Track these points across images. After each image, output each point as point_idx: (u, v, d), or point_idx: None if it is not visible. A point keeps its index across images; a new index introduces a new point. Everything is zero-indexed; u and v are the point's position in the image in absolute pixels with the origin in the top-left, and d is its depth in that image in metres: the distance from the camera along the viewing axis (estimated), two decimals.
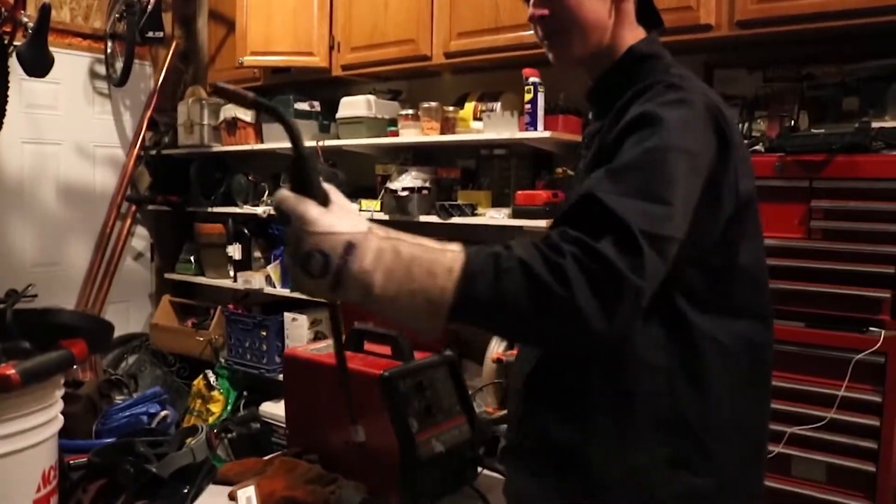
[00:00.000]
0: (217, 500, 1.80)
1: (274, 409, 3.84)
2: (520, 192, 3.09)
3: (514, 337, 1.26)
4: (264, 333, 3.93)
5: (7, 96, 3.39)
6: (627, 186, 1.10)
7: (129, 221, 4.69)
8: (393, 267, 1.01)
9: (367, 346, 1.96)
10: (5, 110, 3.40)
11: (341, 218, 1.01)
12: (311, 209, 1.00)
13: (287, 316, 3.88)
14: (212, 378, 4.10)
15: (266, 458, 1.97)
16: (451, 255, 1.03)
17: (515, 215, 3.08)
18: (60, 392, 1.37)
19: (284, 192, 1.03)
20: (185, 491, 1.58)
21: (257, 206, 4.11)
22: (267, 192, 4.15)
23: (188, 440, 1.58)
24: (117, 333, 4.42)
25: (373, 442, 1.80)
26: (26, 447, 1.27)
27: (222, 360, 4.17)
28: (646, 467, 1.26)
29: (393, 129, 3.63)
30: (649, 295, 1.06)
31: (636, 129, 1.18)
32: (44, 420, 1.31)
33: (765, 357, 1.35)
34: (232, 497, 1.81)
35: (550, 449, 1.35)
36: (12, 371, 1.16)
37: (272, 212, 0.97)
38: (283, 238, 1.04)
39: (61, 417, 1.39)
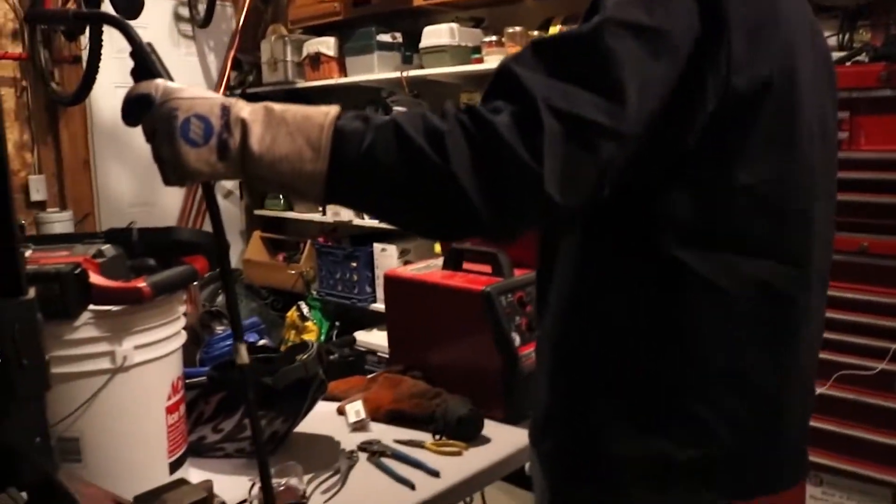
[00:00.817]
0: (326, 415, 1.88)
1: (366, 338, 3.94)
2: None
3: (395, 216, 1.01)
4: (354, 264, 4.01)
5: (101, 41, 3.48)
6: (552, 62, 0.92)
7: None
8: (268, 120, 0.96)
9: (466, 265, 1.99)
10: (100, 55, 3.50)
11: (203, 91, 1.00)
12: (171, 83, 0.99)
13: (376, 246, 3.95)
14: (304, 309, 4.21)
15: (370, 376, 2.03)
16: (325, 108, 0.97)
17: None
18: (183, 308, 1.44)
19: (135, 84, 1.01)
20: (299, 403, 1.64)
21: None
22: None
23: (299, 356, 1.64)
24: (212, 270, 4.57)
25: (476, 358, 1.85)
26: (158, 357, 1.34)
27: (314, 292, 4.28)
28: (602, 429, 1.10)
29: (477, 56, 3.61)
30: (563, 188, 0.88)
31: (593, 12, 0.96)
32: (171, 333, 1.38)
33: (793, 307, 1.09)
34: (340, 411, 1.89)
35: (536, 405, 1.26)
36: (143, 284, 1.23)
37: (124, 102, 0.94)
38: (147, 130, 1.01)
39: (184, 333, 1.46)
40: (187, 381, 1.61)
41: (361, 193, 0.98)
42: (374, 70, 4.00)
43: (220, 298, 4.16)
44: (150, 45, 1.08)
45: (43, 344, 0.91)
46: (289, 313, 4.31)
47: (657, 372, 1.06)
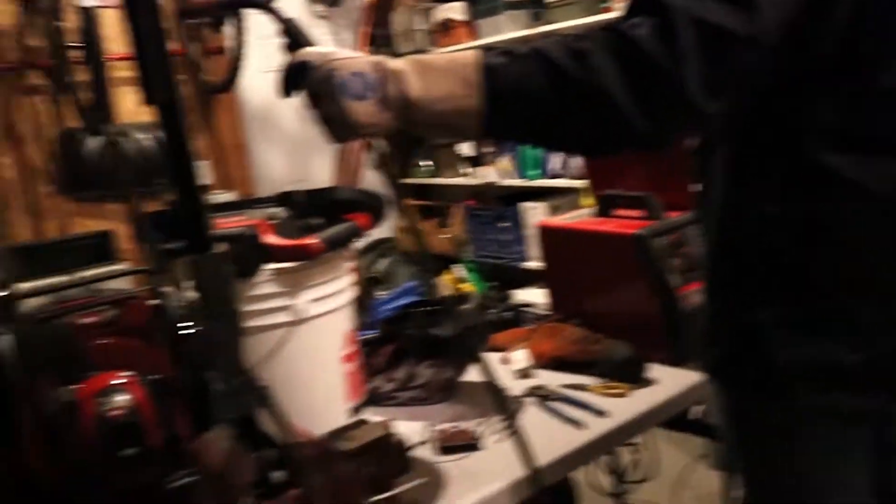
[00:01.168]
0: (492, 363, 1.94)
1: (522, 296, 3.98)
2: None
3: (552, 140, 1.10)
4: (504, 224, 4.05)
5: (245, 30, 3.65)
6: None
7: None
8: (419, 68, 1.02)
9: (618, 211, 1.99)
10: (245, 43, 3.67)
11: (351, 52, 1.07)
12: (325, 49, 1.08)
13: (525, 205, 3.97)
14: (461, 272, 4.30)
15: (531, 327, 2.07)
16: (468, 51, 1.02)
17: None
18: (350, 264, 1.52)
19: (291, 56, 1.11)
20: (465, 351, 1.70)
21: None
22: None
23: (461, 307, 1.70)
24: (366, 240, 4.75)
25: (635, 302, 1.85)
26: (331, 310, 1.44)
27: (467, 255, 4.36)
28: (766, 335, 1.09)
29: (605, 5, 3.55)
30: (705, 93, 0.92)
31: None
32: (341, 287, 1.47)
33: None
34: (505, 361, 1.94)
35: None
36: (315, 240, 1.31)
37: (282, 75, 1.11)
38: (309, 95, 1.08)
39: (353, 289, 1.55)
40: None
41: (517, 122, 1.03)
42: (503, 30, 4.01)
43: (379, 265, 4.32)
44: (294, 20, 1.16)
45: (235, 292, 0.99)
46: (445, 276, 4.41)
47: (816, 277, 1.06)
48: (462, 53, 1.03)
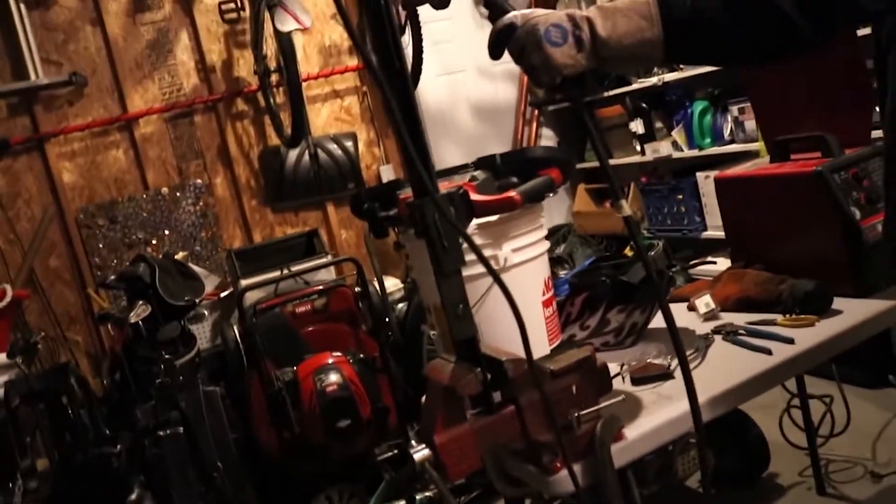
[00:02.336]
0: (678, 312, 2.05)
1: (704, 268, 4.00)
2: None
3: (727, 55, 1.34)
4: (680, 197, 4.10)
5: (422, 36, 3.91)
6: None
7: (534, 125, 5.13)
8: (603, 12, 1.25)
9: (794, 156, 2.04)
10: (423, 49, 3.93)
11: (546, 10, 1.30)
12: (523, 11, 1.30)
13: (699, 175, 4.00)
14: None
15: (713, 278, 2.16)
16: None
17: None
18: (544, 218, 1.69)
19: (497, 22, 1.31)
20: (652, 296, 1.83)
21: (650, 78, 4.25)
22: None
23: (649, 253, 1.82)
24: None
25: (817, 240, 1.91)
26: (530, 258, 1.60)
27: (644, 231, 4.43)
28: None
29: None
30: None
31: None
32: (538, 238, 1.64)
33: None
34: (691, 308, 2.05)
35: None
36: (514, 193, 1.48)
37: (491, 37, 1.36)
38: (514, 49, 1.31)
39: (547, 242, 1.71)
40: None
41: (695, 44, 1.27)
42: None
43: (561, 248, 4.47)
44: None
45: (458, 229, 1.19)
46: (626, 251, 4.49)
47: None
48: None
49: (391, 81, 1.22)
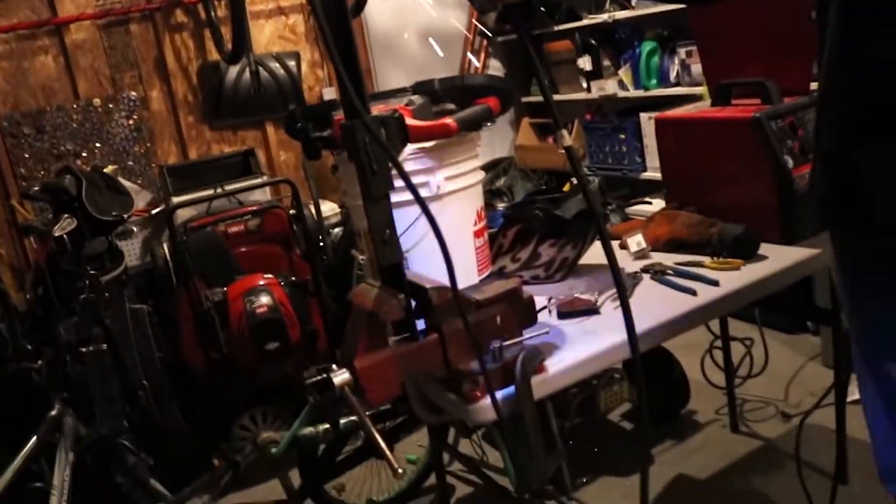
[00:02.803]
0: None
1: (639, 207, 4.05)
2: None
3: None
4: (622, 136, 4.10)
5: None
6: None
7: (482, 55, 5.05)
8: None
9: (735, 101, 2.05)
10: None
11: None
12: None
13: (643, 116, 4.00)
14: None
15: (647, 217, 2.17)
16: None
17: None
18: (479, 148, 1.67)
19: None
20: (585, 230, 1.83)
21: (601, 14, 4.21)
22: (608, 1, 4.23)
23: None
24: (485, 159, 4.89)
25: (749, 185, 1.93)
26: (464, 187, 1.59)
27: (586, 169, 4.44)
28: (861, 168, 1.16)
29: None
30: None
31: None
32: (473, 167, 1.62)
33: None
34: (623, 245, 2.06)
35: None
36: (450, 120, 1.46)
37: None
38: None
39: (482, 172, 1.69)
40: None
41: None
42: None
43: (501, 181, 4.46)
44: None
45: (387, 151, 1.16)
46: (564, 188, 4.50)
47: None
48: None
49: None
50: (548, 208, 1.83)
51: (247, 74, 4.15)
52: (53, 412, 2.43)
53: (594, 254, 1.94)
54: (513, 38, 4.94)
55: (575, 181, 4.34)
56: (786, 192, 1.83)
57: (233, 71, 4.15)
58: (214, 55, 4.16)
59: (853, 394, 2.71)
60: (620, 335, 1.53)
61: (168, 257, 3.28)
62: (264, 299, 2.94)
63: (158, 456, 2.62)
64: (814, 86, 2.16)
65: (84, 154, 3.89)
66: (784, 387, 2.98)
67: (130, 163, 4.00)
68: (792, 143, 1.85)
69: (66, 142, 3.85)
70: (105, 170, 3.04)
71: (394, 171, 1.48)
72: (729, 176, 1.95)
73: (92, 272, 2.64)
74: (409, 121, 1.44)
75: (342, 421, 2.42)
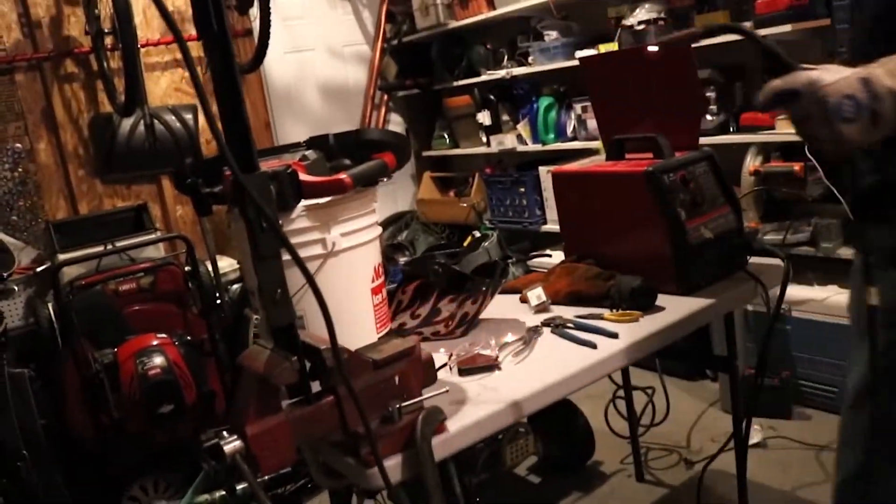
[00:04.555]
0: (510, 304, 2.06)
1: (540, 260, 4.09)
2: (759, 2, 3.01)
3: None
4: (522, 189, 4.16)
5: (270, 12, 3.75)
6: None
7: (383, 110, 5.07)
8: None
9: (628, 155, 2.09)
10: (270, 22, 3.77)
11: (831, 69, 1.12)
12: (810, 73, 1.12)
13: (541, 170, 4.07)
14: (478, 236, 4.42)
15: (546, 270, 2.18)
16: None
17: (757, 26, 3.01)
18: (376, 203, 1.64)
19: (778, 80, 1.14)
20: (485, 286, 1.82)
21: (499, 70, 4.29)
22: (506, 57, 4.31)
23: (482, 244, 1.81)
24: (387, 213, 4.88)
25: (645, 238, 1.96)
26: (361, 243, 1.54)
27: (486, 222, 4.48)
28: None
29: None
30: None
31: None
32: (369, 223, 1.58)
33: None
34: (523, 300, 2.05)
35: None
36: (345, 176, 1.42)
37: (768, 97, 1.16)
38: (796, 116, 1.15)
39: (379, 227, 1.66)
40: None
41: None
42: None
43: (403, 235, 4.44)
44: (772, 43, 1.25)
45: (275, 211, 1.11)
46: (464, 243, 4.52)
47: None
48: None
49: (210, 47, 1.13)
50: (447, 264, 1.81)
51: (141, 127, 4.02)
52: None
53: (495, 307, 1.94)
54: (413, 92, 4.99)
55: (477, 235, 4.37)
56: (680, 243, 1.86)
57: (126, 123, 4.02)
58: (107, 107, 4.03)
59: (753, 437, 2.79)
60: (522, 391, 1.52)
61: (53, 318, 3.11)
62: (157, 360, 2.81)
63: None
64: (703, 140, 2.25)
65: None
66: (686, 433, 3.03)
67: (14, 217, 3.81)
68: (684, 195, 1.89)
69: None
70: None
71: (287, 227, 1.44)
72: (625, 228, 1.98)
73: None
74: (303, 176, 1.40)
75: (239, 487, 2.31)
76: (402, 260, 3.65)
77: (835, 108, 1.08)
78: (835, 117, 1.08)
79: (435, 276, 1.83)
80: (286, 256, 1.23)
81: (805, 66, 1.15)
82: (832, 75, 1.11)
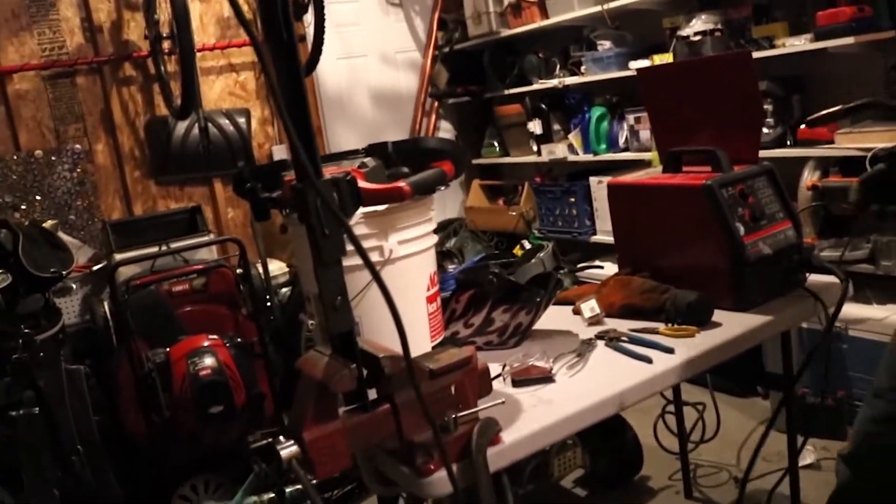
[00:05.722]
0: (563, 316, 2.04)
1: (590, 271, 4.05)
2: (820, 13, 2.95)
3: None
4: (572, 199, 4.14)
5: (324, 18, 3.78)
6: None
7: (433, 117, 5.08)
8: None
9: (686, 168, 2.06)
10: (324, 28, 3.81)
11: None
12: None
13: (592, 180, 4.04)
14: (528, 247, 4.40)
15: (600, 282, 2.16)
16: None
17: (817, 38, 2.96)
18: (433, 212, 1.64)
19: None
20: (540, 297, 1.81)
21: (551, 79, 4.27)
22: (558, 66, 4.30)
23: (537, 255, 1.80)
24: (436, 220, 4.89)
25: (701, 252, 1.93)
26: (417, 252, 1.56)
27: (535, 231, 4.46)
28: None
29: None
30: None
31: None
32: (426, 231, 1.59)
33: None
34: (576, 312, 2.04)
35: None
36: (404, 184, 1.43)
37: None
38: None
39: (435, 235, 1.67)
40: None
41: None
42: (574, 8, 4.07)
43: (451, 242, 4.44)
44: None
45: (339, 217, 1.12)
46: (515, 252, 4.51)
47: None
48: None
49: (278, 54, 1.14)
50: (502, 273, 1.81)
51: (195, 130, 4.09)
52: None
53: (547, 318, 1.92)
54: (464, 100, 4.99)
55: (528, 245, 4.35)
56: (737, 259, 1.83)
57: (181, 126, 4.09)
58: (163, 110, 4.10)
59: (806, 458, 2.73)
60: (577, 405, 1.51)
61: (108, 316, 3.17)
62: (208, 361, 2.85)
63: None
64: (763, 153, 2.21)
65: (23, 207, 3.77)
66: (736, 451, 2.97)
67: (72, 217, 3.89)
68: (742, 210, 1.87)
69: (3, 194, 3.73)
70: (44, 224, 2.95)
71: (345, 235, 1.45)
72: (681, 243, 1.96)
73: (26, 331, 2.54)
74: (362, 184, 1.41)
75: (288, 490, 2.33)
76: (452, 267, 3.65)
77: None
78: None
79: (489, 286, 1.82)
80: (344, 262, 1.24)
81: None
82: None
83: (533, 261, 1.80)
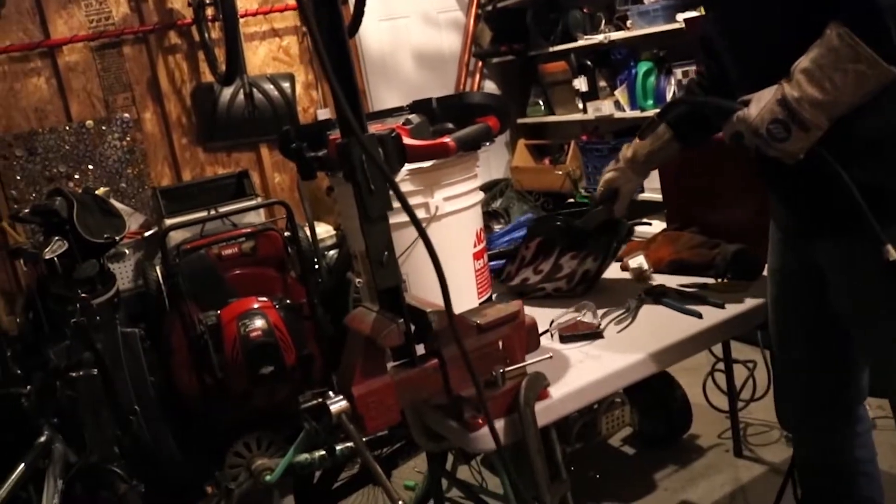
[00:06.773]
0: (610, 271, 2.03)
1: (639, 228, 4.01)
2: None
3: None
4: None
5: None
6: None
7: (477, 77, 5.04)
8: (810, 78, 1.21)
9: None
10: None
11: (758, 98, 1.29)
12: (740, 113, 1.31)
13: None
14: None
15: (648, 238, 2.14)
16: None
17: None
18: (479, 168, 1.63)
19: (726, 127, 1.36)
20: (608, 242, 1.81)
21: (596, 35, 4.20)
22: (603, 21, 4.22)
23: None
24: (481, 180, 4.87)
25: (752, 210, 1.89)
26: (463, 208, 1.55)
27: (581, 190, 4.41)
28: None
29: None
30: None
31: None
32: (471, 188, 1.58)
33: None
34: (624, 267, 2.02)
35: None
36: (449, 139, 1.42)
37: (729, 140, 1.40)
38: (749, 148, 1.34)
39: (481, 193, 1.66)
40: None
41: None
42: None
43: (497, 203, 4.43)
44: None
45: (384, 172, 1.12)
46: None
47: None
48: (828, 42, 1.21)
49: (321, 15, 1.13)
50: (569, 220, 1.82)
51: (241, 96, 4.12)
52: (42, 438, 2.37)
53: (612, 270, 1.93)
54: (508, 59, 4.94)
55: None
56: None
57: (227, 92, 4.12)
58: (208, 77, 4.13)
59: None
60: (625, 360, 1.50)
61: (161, 280, 3.23)
62: (259, 323, 2.89)
63: (150, 483, 2.56)
64: None
65: (76, 176, 3.85)
66: None
67: (123, 185, 3.96)
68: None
69: (58, 164, 3.81)
70: (97, 192, 3.00)
71: (390, 191, 1.45)
72: (730, 197, 1.92)
73: (83, 295, 2.60)
74: (407, 140, 1.40)
75: (338, 447, 2.37)
76: (498, 227, 3.63)
77: (768, 137, 1.27)
78: (772, 141, 1.27)
79: (556, 233, 1.83)
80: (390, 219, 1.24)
81: (743, 100, 1.33)
82: (757, 106, 1.29)
83: (600, 208, 1.81)
